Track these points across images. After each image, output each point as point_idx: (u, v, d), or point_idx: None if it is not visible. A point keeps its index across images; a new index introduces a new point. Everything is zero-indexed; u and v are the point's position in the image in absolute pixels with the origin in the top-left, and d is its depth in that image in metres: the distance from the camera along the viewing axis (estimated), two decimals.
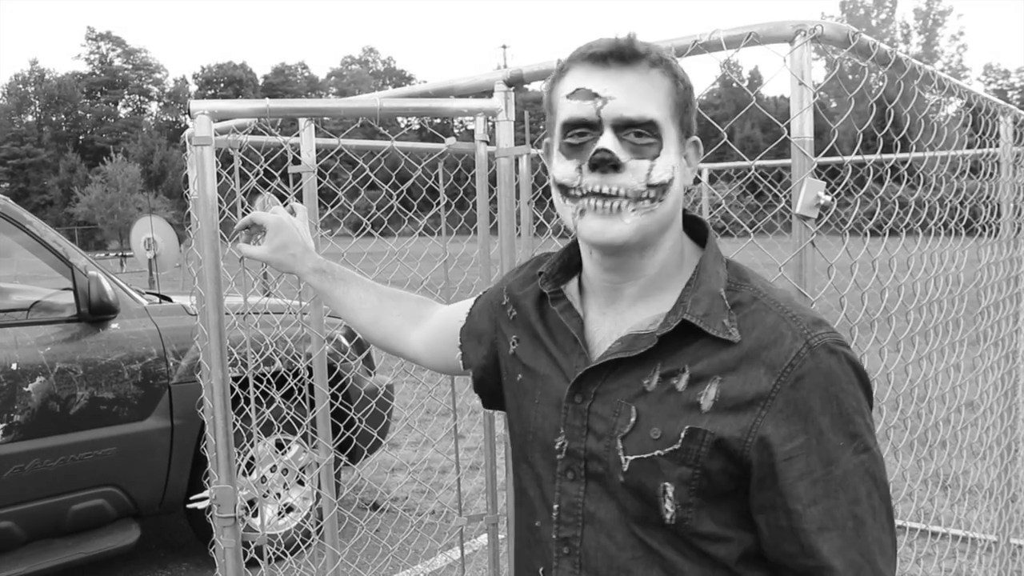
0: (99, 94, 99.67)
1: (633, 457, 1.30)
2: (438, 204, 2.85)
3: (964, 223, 3.17)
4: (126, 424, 4.42)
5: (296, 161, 3.02)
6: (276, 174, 3.19)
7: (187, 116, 2.26)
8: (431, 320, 1.86)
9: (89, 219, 59.64)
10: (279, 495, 5.11)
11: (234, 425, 2.40)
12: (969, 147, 3.31)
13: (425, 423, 7.77)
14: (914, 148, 2.65)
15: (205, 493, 2.53)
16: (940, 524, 4.67)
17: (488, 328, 1.67)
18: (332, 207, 3.46)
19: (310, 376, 3.19)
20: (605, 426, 1.34)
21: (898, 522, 4.60)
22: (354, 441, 4.21)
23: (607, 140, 1.28)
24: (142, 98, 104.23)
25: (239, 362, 4.22)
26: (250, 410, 2.63)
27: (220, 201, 2.41)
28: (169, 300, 5.09)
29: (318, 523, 4.82)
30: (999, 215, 3.57)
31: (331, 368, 3.90)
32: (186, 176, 2.92)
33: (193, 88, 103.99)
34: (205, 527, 4.54)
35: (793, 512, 1.24)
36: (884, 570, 1.27)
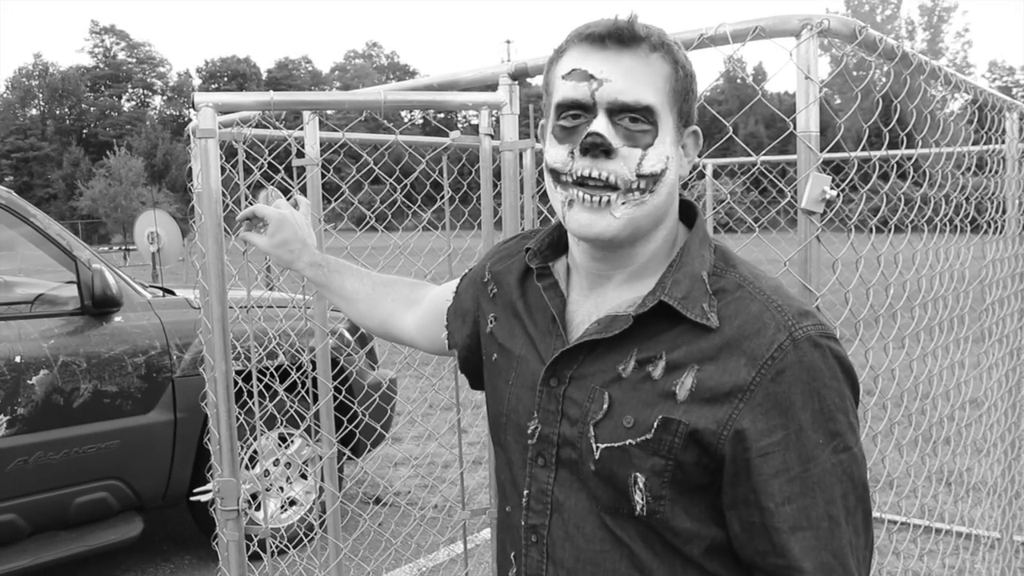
0: (103, 88, 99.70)
1: (605, 445, 1.26)
2: (442, 198, 2.84)
3: (969, 219, 3.16)
4: (130, 417, 4.43)
5: (300, 154, 3.02)
6: (280, 167, 3.19)
7: (191, 110, 2.25)
8: (423, 303, 1.85)
9: (93, 213, 59.72)
10: (282, 488, 5.12)
11: (237, 418, 2.39)
12: (974, 143, 3.30)
13: (428, 417, 7.78)
14: (919, 144, 2.64)
15: (208, 486, 2.53)
16: (944, 521, 4.66)
17: (471, 306, 1.65)
18: (336, 201, 3.46)
19: (313, 370, 3.19)
20: (579, 411, 1.30)
21: (902, 518, 4.61)
22: (357, 435, 4.21)
23: (600, 124, 1.23)
24: (146, 92, 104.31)
25: (242, 355, 4.23)
26: (253, 403, 2.63)
27: (224, 194, 2.41)
28: (172, 293, 5.09)
29: (321, 517, 4.84)
30: (1004, 211, 3.56)
31: (334, 362, 3.90)
32: (190, 169, 2.92)
33: (197, 82, 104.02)
34: (208, 520, 4.55)
35: (766, 509, 1.20)
36: (855, 570, 1.23)
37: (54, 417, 4.18)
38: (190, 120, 2.44)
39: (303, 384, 3.33)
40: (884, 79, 2.15)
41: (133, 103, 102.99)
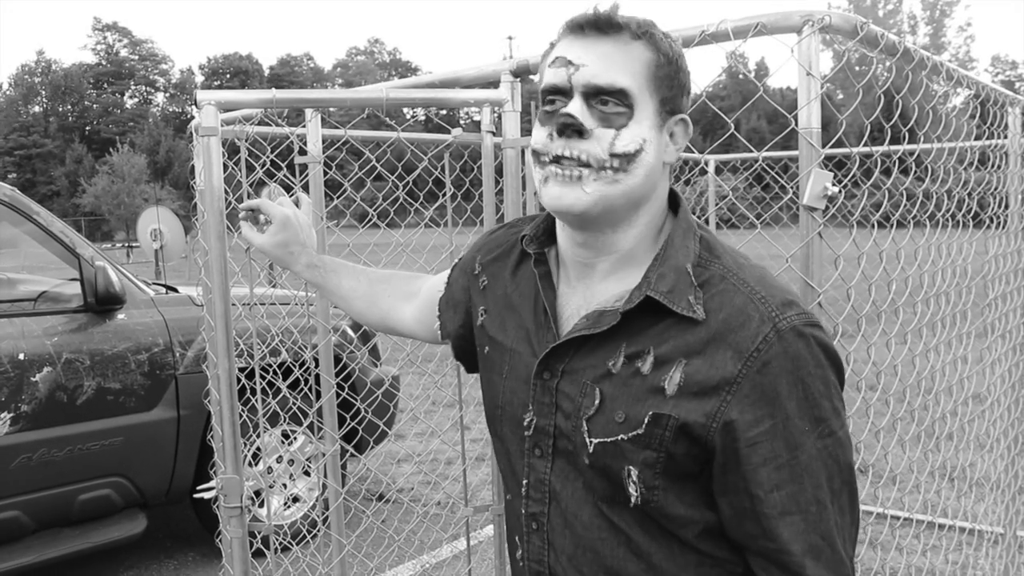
0: (106, 85, 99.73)
1: (598, 440, 1.29)
2: (444, 195, 2.84)
3: (972, 214, 3.16)
4: (133, 414, 4.43)
5: (302, 152, 3.02)
6: (282, 164, 3.19)
7: (193, 107, 2.26)
8: (420, 294, 1.87)
9: (95, 209, 59.71)
10: (285, 485, 5.13)
11: (240, 415, 2.40)
12: (977, 138, 3.30)
13: (431, 414, 7.78)
14: (921, 139, 2.64)
15: (211, 483, 2.54)
16: (947, 516, 4.66)
17: (463, 297, 1.67)
18: (338, 198, 3.46)
19: (316, 367, 3.20)
20: (572, 406, 1.33)
21: (905, 514, 4.60)
22: (360, 432, 4.21)
23: (574, 106, 1.27)
24: (148, 89, 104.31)
25: (245, 353, 4.23)
26: (256, 400, 2.64)
27: (226, 191, 2.41)
28: (175, 291, 5.09)
29: (324, 513, 4.84)
30: (1007, 206, 3.56)
31: (337, 359, 3.91)
32: (192, 166, 2.92)
33: (199, 79, 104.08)
34: (211, 517, 4.55)
35: (755, 496, 1.24)
36: (842, 551, 1.27)
37: (58, 414, 4.18)
38: (192, 117, 2.44)
39: (306, 381, 3.33)
40: (887, 74, 2.15)
41: (136, 100, 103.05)
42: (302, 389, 3.74)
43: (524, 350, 1.42)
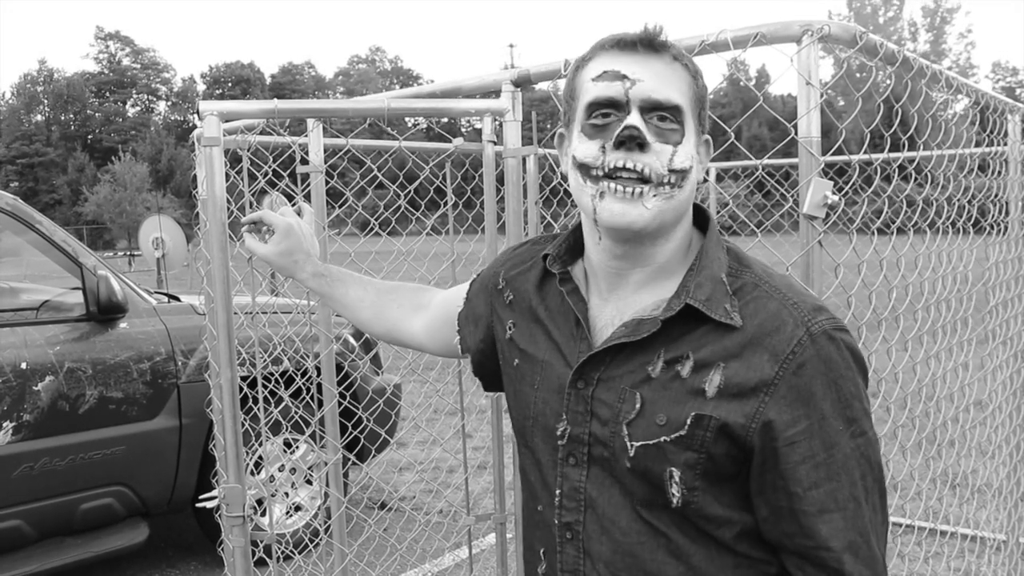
0: (108, 93, 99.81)
1: (640, 443, 1.31)
2: (445, 204, 2.85)
3: (972, 221, 3.16)
4: (135, 423, 4.44)
5: (304, 161, 3.03)
6: (284, 174, 3.20)
7: (196, 116, 2.27)
8: (430, 307, 1.88)
9: (98, 218, 59.79)
10: (287, 494, 5.13)
11: (242, 424, 2.40)
12: (977, 145, 3.30)
13: (433, 422, 7.78)
14: (922, 147, 2.64)
15: (213, 492, 2.54)
16: (949, 523, 4.65)
17: (484, 311, 1.68)
18: (340, 207, 3.46)
19: (318, 375, 3.20)
20: (609, 412, 1.35)
21: (907, 521, 4.60)
22: (362, 440, 4.21)
23: (635, 118, 1.29)
24: (150, 97, 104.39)
25: (247, 361, 4.24)
26: (258, 409, 2.64)
27: (229, 201, 2.42)
28: (178, 299, 5.10)
29: (326, 522, 4.84)
30: (1007, 213, 3.56)
31: (339, 367, 3.91)
32: (194, 176, 2.93)
33: (201, 87, 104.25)
34: (213, 526, 4.55)
35: (794, 495, 1.27)
36: (876, 547, 1.31)
37: (60, 423, 4.19)
38: (194, 126, 2.45)
39: (308, 390, 3.34)
40: (888, 81, 2.15)
41: (138, 109, 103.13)
42: (304, 398, 3.74)
43: (556, 361, 1.45)
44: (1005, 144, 3.49)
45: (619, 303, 1.41)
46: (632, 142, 1.28)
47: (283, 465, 5.10)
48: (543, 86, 2.36)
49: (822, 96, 1.81)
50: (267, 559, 3.27)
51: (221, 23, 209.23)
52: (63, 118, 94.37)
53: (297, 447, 5.16)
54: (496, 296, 1.64)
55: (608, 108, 1.31)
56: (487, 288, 1.69)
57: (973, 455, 3.70)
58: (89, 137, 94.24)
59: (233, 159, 2.63)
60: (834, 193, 1.81)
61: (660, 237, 1.36)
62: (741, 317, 1.30)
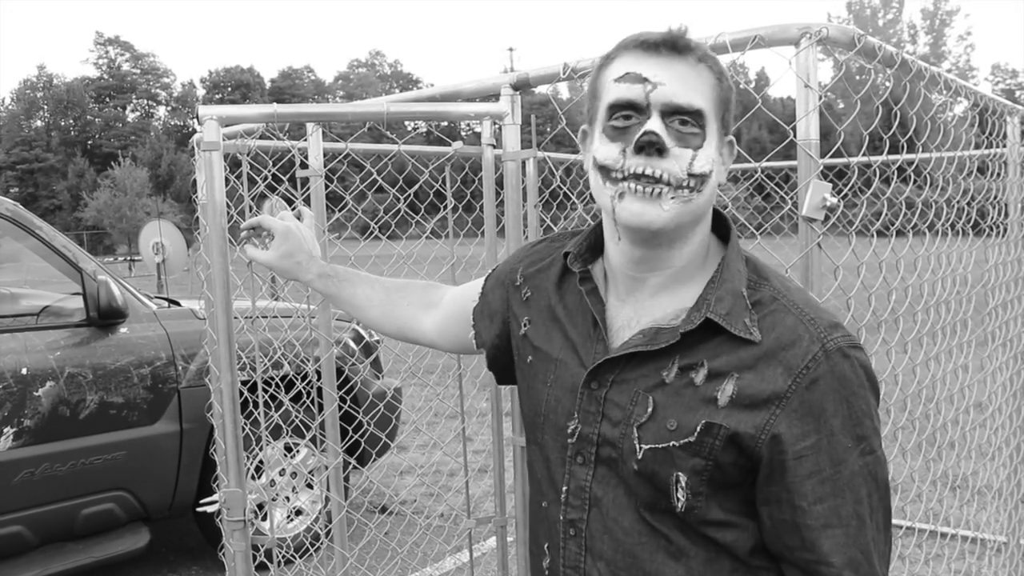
0: (108, 99, 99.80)
1: (649, 446, 1.33)
2: (445, 207, 2.85)
3: (971, 224, 3.17)
4: (136, 428, 4.44)
5: (304, 165, 3.03)
6: (284, 178, 3.20)
7: (195, 120, 2.27)
8: (441, 305, 1.89)
9: (98, 223, 59.75)
10: (288, 498, 5.12)
11: (243, 429, 2.40)
12: (976, 147, 3.31)
13: (433, 426, 7.77)
14: (921, 149, 2.65)
15: (214, 497, 2.54)
16: (949, 525, 4.65)
17: (500, 307, 1.69)
18: (340, 211, 3.47)
19: (318, 379, 3.20)
20: (621, 414, 1.36)
21: (907, 523, 4.60)
22: (362, 444, 4.21)
23: (654, 123, 1.29)
24: (150, 102, 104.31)
25: (248, 366, 4.24)
26: (259, 414, 2.64)
27: (228, 205, 2.42)
28: (178, 304, 5.10)
29: (327, 526, 4.84)
30: (1007, 215, 3.57)
31: (339, 371, 3.90)
32: (194, 180, 2.93)
33: (201, 92, 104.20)
34: (214, 531, 4.56)
35: (798, 508, 1.29)
36: (877, 565, 1.31)
37: (60, 429, 4.19)
38: (194, 130, 2.45)
39: (308, 394, 3.34)
40: (888, 83, 2.16)
41: (138, 114, 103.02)
42: (304, 402, 3.75)
43: (571, 360, 1.46)
44: (1004, 146, 3.50)
45: (636, 306, 1.42)
46: (651, 147, 1.28)
47: (284, 469, 5.10)
48: (542, 89, 2.37)
49: (821, 99, 1.82)
50: (268, 563, 3.28)
51: (221, 28, 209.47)
52: (63, 123, 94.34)
53: (298, 451, 5.16)
54: (513, 292, 1.65)
55: (629, 110, 1.31)
56: (503, 284, 1.70)
57: (973, 457, 3.70)
58: (89, 142, 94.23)
59: (233, 163, 2.63)
60: (833, 195, 1.81)
61: (678, 240, 1.37)
62: (760, 331, 1.31)
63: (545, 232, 2.70)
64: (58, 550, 4.27)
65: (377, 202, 3.67)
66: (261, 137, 3.02)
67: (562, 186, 3.79)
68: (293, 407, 3.82)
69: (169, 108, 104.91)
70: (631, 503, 1.36)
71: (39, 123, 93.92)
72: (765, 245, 2.26)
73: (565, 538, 1.43)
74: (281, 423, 4.62)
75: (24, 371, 4.11)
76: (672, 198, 1.30)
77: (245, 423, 3.27)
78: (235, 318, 2.34)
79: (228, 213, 2.40)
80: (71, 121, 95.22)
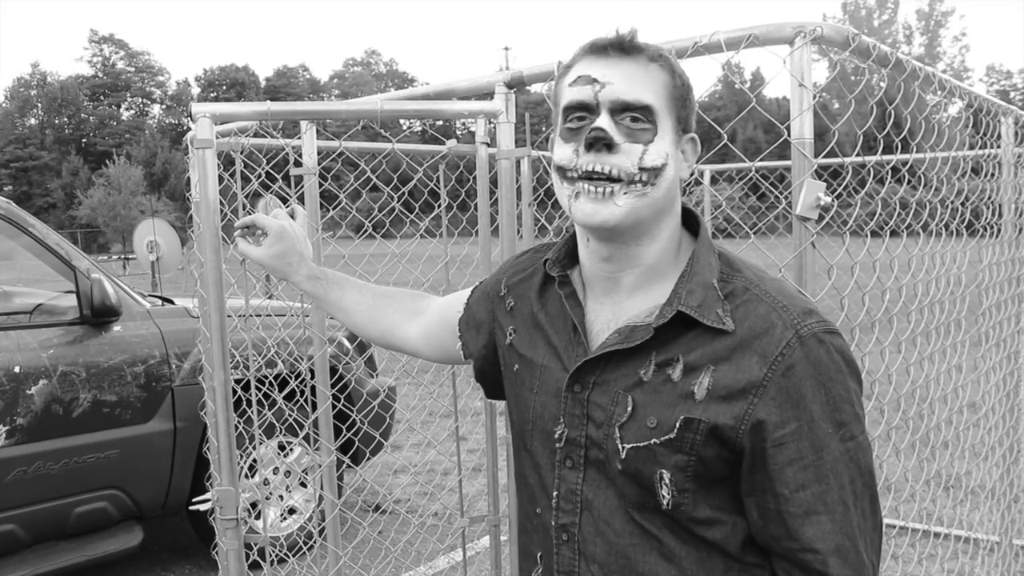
0: (102, 97, 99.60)
1: (630, 445, 1.33)
2: (439, 206, 2.85)
3: (966, 224, 3.17)
4: (129, 427, 4.43)
5: (298, 163, 3.03)
6: (278, 176, 3.20)
7: (189, 119, 2.26)
8: (427, 313, 1.90)
9: (92, 222, 59.61)
10: (281, 497, 5.12)
11: (236, 427, 2.40)
12: (970, 148, 3.31)
13: (427, 425, 7.77)
14: (915, 149, 2.65)
15: (207, 495, 2.54)
16: (943, 525, 4.66)
17: (486, 318, 1.71)
18: (334, 209, 3.46)
19: (312, 378, 3.20)
20: (603, 415, 1.37)
21: (901, 523, 4.60)
22: (356, 443, 4.21)
23: (602, 120, 1.32)
24: (145, 101, 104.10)
25: (241, 364, 4.23)
26: (252, 412, 2.64)
27: (222, 203, 2.42)
28: (171, 302, 5.09)
29: (320, 525, 4.83)
30: (1001, 216, 3.57)
31: (333, 370, 3.91)
32: (188, 179, 2.92)
33: (195, 90, 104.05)
34: (208, 529, 4.55)
35: (780, 496, 1.29)
36: (865, 552, 1.31)
37: (54, 427, 4.18)
38: (189, 129, 2.44)
39: (302, 392, 3.34)
40: (882, 83, 2.16)
41: (132, 112, 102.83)
42: (298, 400, 3.75)
43: (554, 365, 1.47)
44: (998, 147, 3.50)
45: (614, 307, 1.43)
46: (599, 143, 1.31)
47: (277, 468, 5.09)
48: (537, 88, 2.36)
49: (815, 98, 1.82)
50: (261, 562, 3.27)
51: (216, 26, 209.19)
52: (57, 121, 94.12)
53: (291, 450, 5.16)
54: (498, 303, 1.67)
55: (581, 111, 1.35)
56: (489, 295, 1.71)
57: (967, 457, 3.70)
58: (83, 141, 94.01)
59: (226, 162, 2.62)
60: (827, 195, 1.81)
61: (644, 236, 1.38)
62: (733, 321, 1.32)
63: (540, 231, 2.70)
64: (51, 549, 4.26)
65: (371, 201, 3.67)
66: (255, 135, 3.01)
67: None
68: (287, 405, 3.82)
69: (164, 106, 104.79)
70: (621, 504, 1.37)
71: (33, 121, 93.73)
72: (760, 244, 2.25)
73: (558, 543, 1.43)
74: (275, 422, 4.62)
75: (17, 369, 4.10)
76: (625, 193, 1.32)
77: (238, 421, 3.27)
78: (228, 316, 2.34)
79: (222, 211, 2.40)
80: (65, 119, 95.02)
